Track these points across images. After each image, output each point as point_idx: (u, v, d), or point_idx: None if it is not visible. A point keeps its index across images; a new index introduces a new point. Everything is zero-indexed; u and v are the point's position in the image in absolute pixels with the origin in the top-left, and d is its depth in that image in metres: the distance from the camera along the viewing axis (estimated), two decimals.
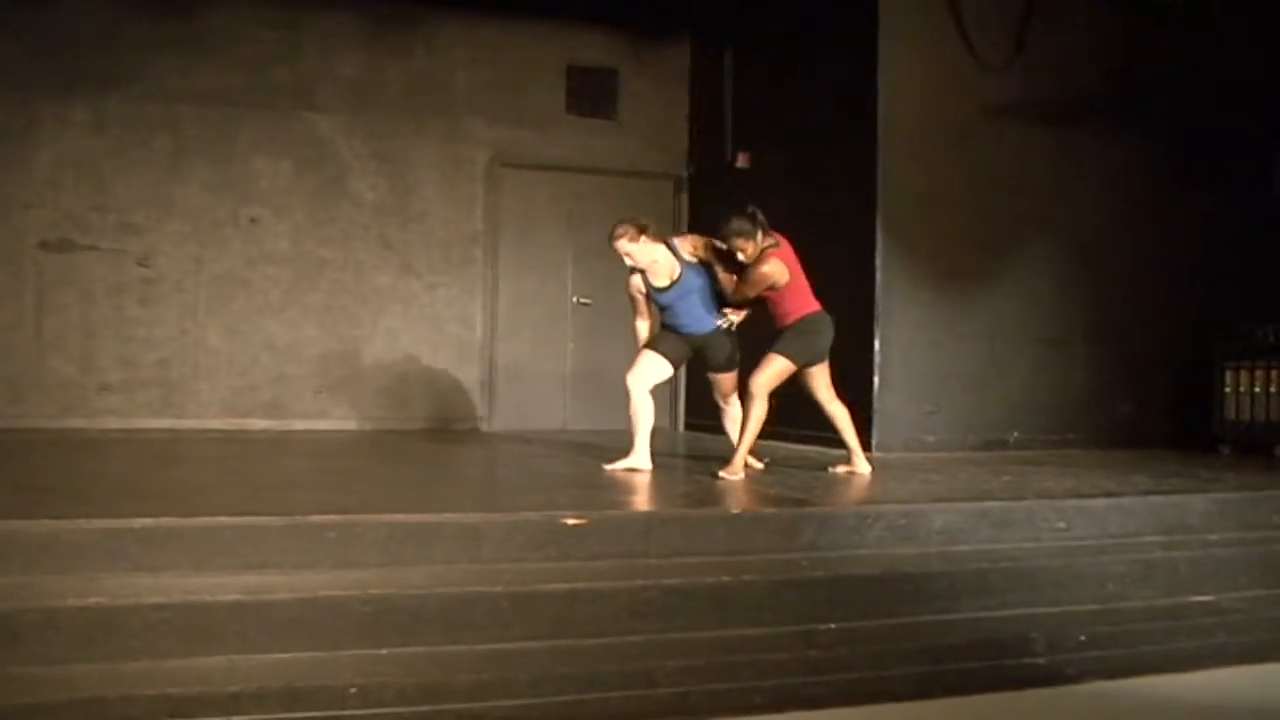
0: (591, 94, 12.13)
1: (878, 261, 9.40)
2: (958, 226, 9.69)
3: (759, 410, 7.19)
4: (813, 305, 7.43)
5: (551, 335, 11.98)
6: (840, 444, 7.81)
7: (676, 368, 7.84)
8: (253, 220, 11.23)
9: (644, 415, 7.54)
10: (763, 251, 7.25)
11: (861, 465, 7.73)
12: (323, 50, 11.41)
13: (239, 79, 11.18)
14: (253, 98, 11.22)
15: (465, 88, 11.78)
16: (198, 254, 11.09)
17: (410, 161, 11.61)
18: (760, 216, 7.32)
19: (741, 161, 11.16)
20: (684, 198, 12.23)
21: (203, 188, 11.10)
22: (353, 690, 4.44)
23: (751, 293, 7.30)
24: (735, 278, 7.40)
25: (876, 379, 9.35)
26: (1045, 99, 9.93)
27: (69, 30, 10.74)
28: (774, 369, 7.21)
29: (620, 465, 7.52)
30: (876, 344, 9.37)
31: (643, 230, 7.49)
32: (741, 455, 7.26)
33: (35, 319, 10.71)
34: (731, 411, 7.73)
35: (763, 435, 9.79)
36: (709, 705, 4.77)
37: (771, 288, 7.26)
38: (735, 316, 7.56)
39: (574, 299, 11.94)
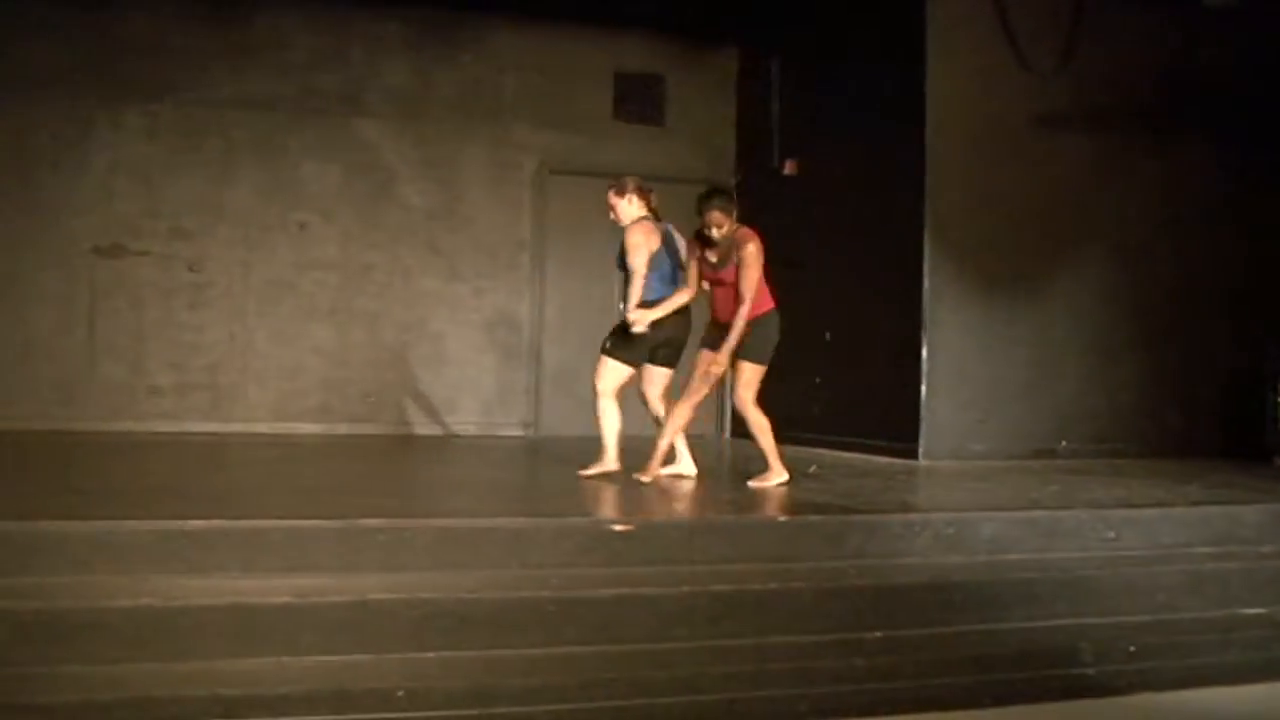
0: (639, 100, 12.13)
1: (926, 269, 9.37)
2: (1007, 234, 9.64)
3: (757, 418, 7.15)
4: (772, 300, 7.26)
5: (598, 341, 11.88)
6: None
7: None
8: (301, 225, 11.29)
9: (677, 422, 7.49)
10: (738, 229, 7.08)
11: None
12: (371, 56, 11.47)
13: (288, 85, 11.26)
14: (302, 104, 11.29)
15: (513, 94, 11.81)
16: (247, 259, 11.17)
17: (458, 167, 11.65)
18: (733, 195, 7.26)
19: (789, 168, 11.15)
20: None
21: (252, 193, 11.18)
22: (401, 693, 4.46)
23: (756, 274, 6.98)
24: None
25: (924, 386, 9.32)
26: (1095, 106, 9.87)
27: (122, 38, 10.85)
28: (753, 378, 7.12)
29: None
30: (924, 351, 9.33)
31: (639, 194, 7.51)
32: (775, 460, 7.22)
33: (87, 323, 10.81)
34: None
35: (809, 443, 9.82)
36: (755, 712, 4.77)
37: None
38: (642, 325, 7.37)
39: (620, 306, 11.91)
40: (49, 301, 10.73)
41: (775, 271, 7.20)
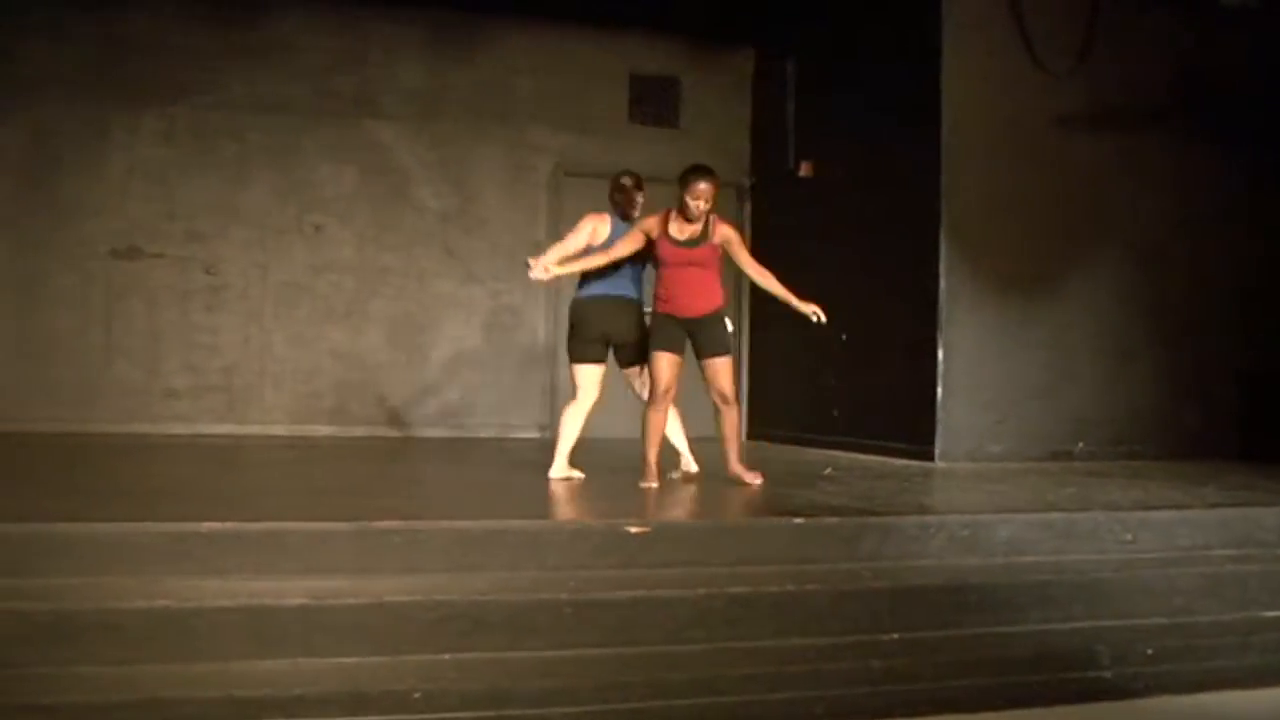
0: (654, 102, 12.14)
1: (941, 270, 9.34)
2: (1023, 235, 9.62)
3: (736, 415, 7.29)
4: None
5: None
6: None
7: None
8: (317, 228, 11.32)
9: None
10: (713, 210, 7.10)
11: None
12: (386, 59, 11.50)
13: (303, 88, 11.30)
14: (317, 106, 11.33)
15: (528, 96, 11.83)
16: (263, 261, 11.20)
17: (473, 169, 11.67)
18: None
19: (804, 170, 11.14)
20: (747, 206, 12.21)
21: (268, 195, 11.22)
22: (416, 695, 4.47)
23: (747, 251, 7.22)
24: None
25: (940, 388, 9.29)
26: (1111, 106, 9.85)
27: (138, 41, 10.92)
28: (731, 371, 7.17)
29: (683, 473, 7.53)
30: (940, 353, 9.30)
31: (617, 190, 7.68)
32: (736, 458, 7.30)
33: (104, 325, 10.85)
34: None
35: (825, 445, 9.84)
36: (771, 714, 4.76)
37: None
38: (537, 274, 7.31)
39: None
40: (65, 304, 10.78)
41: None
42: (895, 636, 5.20)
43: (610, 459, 7.89)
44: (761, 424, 11.84)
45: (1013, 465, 9.15)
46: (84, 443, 9.74)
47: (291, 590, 4.73)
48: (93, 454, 8.93)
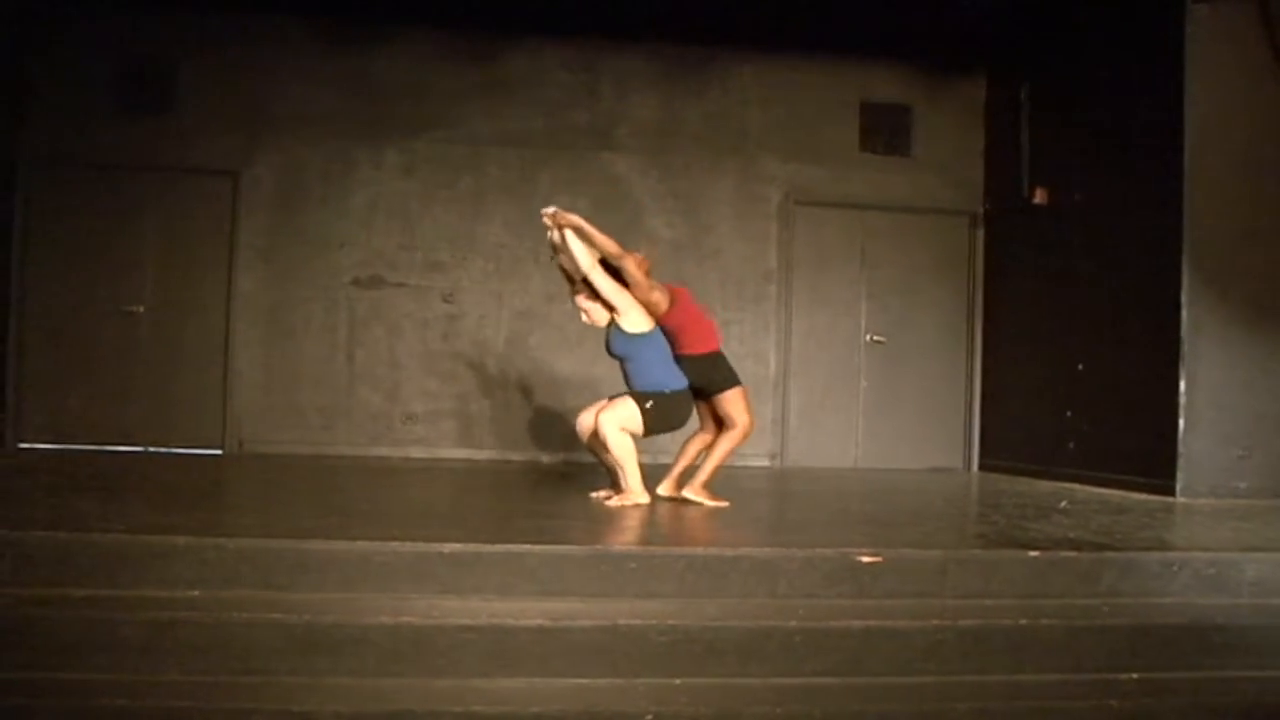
0: (885, 131, 12.08)
1: (1184, 299, 9.06)
2: (1272, 261, 9.25)
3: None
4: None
5: (844, 373, 11.93)
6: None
7: None
8: (552, 258, 11.53)
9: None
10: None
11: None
12: (620, 92, 11.71)
13: (540, 121, 11.59)
14: (553, 139, 11.60)
15: (759, 126, 11.90)
16: (499, 290, 11.49)
17: (705, 199, 11.77)
18: None
19: (1039, 197, 10.92)
20: (979, 234, 12.04)
21: (504, 226, 11.51)
22: (649, 717, 4.53)
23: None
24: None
25: (1182, 421, 9.01)
26: None
27: (382, 80, 11.37)
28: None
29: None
30: (1182, 385, 9.03)
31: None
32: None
33: (347, 351, 11.28)
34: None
35: (1062, 478, 9.60)
36: None
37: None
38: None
39: (867, 337, 11.88)
40: (312, 331, 11.25)
41: None
42: (1134, 676, 5.08)
43: (890, 491, 7.80)
44: (994, 455, 11.64)
45: (1260, 502, 8.81)
46: (329, 465, 10.13)
47: (529, 611, 4.87)
48: (338, 476, 9.26)
